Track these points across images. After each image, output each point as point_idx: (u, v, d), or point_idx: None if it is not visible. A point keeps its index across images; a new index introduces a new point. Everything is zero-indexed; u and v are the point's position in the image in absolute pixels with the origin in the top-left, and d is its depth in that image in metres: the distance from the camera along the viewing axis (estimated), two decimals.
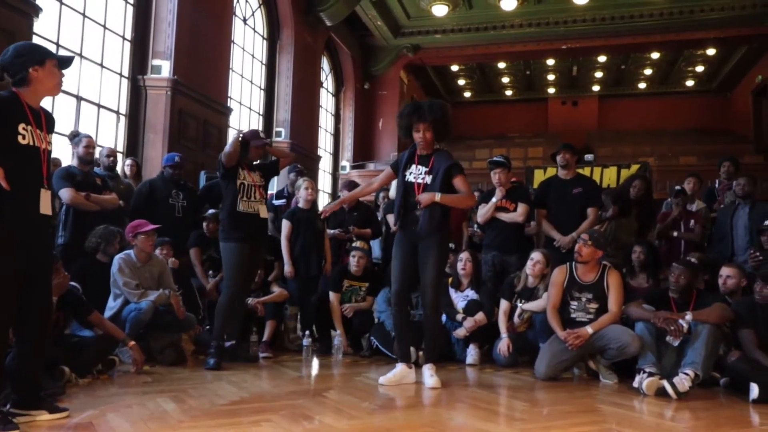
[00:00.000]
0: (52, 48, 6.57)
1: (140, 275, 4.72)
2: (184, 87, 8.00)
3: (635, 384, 3.92)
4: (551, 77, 19.88)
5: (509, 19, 13.79)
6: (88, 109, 7.32)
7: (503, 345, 4.85)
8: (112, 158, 5.98)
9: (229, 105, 9.36)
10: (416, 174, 4.09)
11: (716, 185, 7.06)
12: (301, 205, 5.84)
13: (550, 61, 18.22)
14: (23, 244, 2.74)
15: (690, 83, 19.78)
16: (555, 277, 4.58)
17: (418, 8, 13.54)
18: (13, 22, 5.82)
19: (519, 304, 4.98)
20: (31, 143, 2.79)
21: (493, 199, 5.55)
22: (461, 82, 20.39)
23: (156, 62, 7.91)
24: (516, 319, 4.98)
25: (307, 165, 9.79)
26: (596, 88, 20.53)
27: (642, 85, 20.24)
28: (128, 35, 7.91)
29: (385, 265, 6.00)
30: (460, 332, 5.04)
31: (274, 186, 8.05)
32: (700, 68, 18.62)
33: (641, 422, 3.21)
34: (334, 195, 13.57)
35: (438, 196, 3.95)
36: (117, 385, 3.81)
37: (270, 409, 3.15)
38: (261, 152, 4.88)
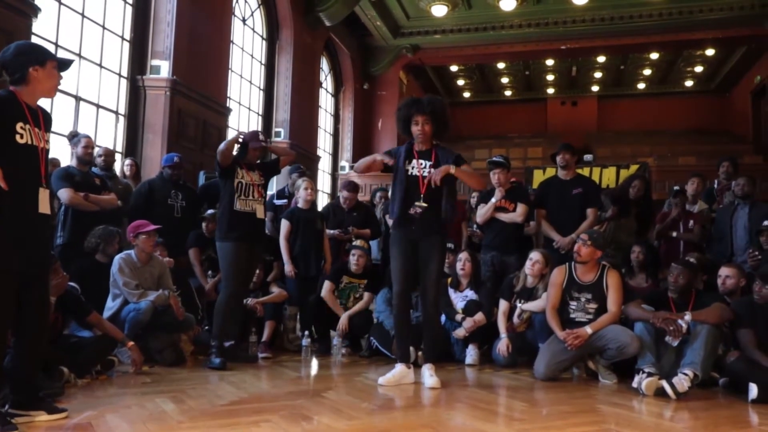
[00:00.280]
0: (51, 48, 6.56)
1: (140, 276, 4.72)
2: (184, 87, 8.00)
3: (634, 384, 3.92)
4: (550, 77, 19.87)
5: (508, 19, 13.78)
6: (87, 110, 7.31)
7: (502, 345, 4.85)
8: (103, 158, 5.89)
9: (228, 105, 9.35)
10: (420, 168, 4.06)
11: (715, 186, 7.07)
12: (300, 205, 5.84)
13: (550, 62, 18.20)
14: (22, 244, 2.74)
15: (689, 84, 19.77)
16: (554, 277, 4.58)
17: (417, 8, 13.53)
18: (11, 22, 5.81)
19: (518, 304, 4.98)
20: (30, 142, 2.79)
21: (493, 200, 5.55)
22: (460, 82, 20.38)
23: (155, 62, 7.89)
24: (515, 319, 4.98)
25: (307, 165, 9.76)
26: (595, 88, 20.52)
27: (641, 86, 20.23)
28: (127, 35, 7.90)
29: (383, 266, 6.01)
30: (460, 332, 5.04)
31: (274, 185, 8.04)
32: (699, 69, 18.62)
33: (640, 422, 3.22)
34: (333, 195, 13.56)
35: (453, 168, 3.95)
36: (116, 386, 3.81)
37: (269, 409, 3.15)
38: (259, 154, 4.87)
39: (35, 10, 6.10)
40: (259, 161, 4.95)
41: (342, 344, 5.37)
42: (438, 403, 3.55)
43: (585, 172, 7.42)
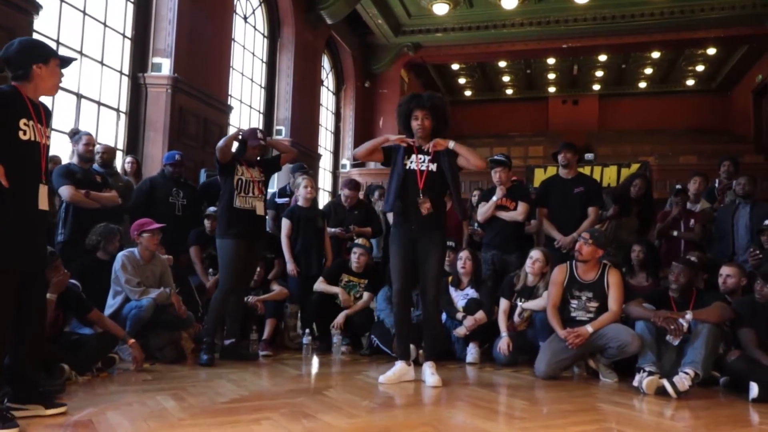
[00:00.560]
0: (52, 46, 6.55)
1: (142, 273, 4.72)
2: (185, 85, 8.00)
3: (635, 383, 3.92)
4: (552, 76, 19.86)
5: (510, 17, 13.77)
6: (89, 107, 7.31)
7: (503, 344, 4.85)
8: (102, 154, 5.86)
9: (229, 103, 9.35)
10: (418, 162, 4.05)
11: (716, 185, 7.06)
12: (300, 203, 5.84)
13: (551, 60, 18.19)
14: (23, 243, 2.74)
15: (690, 83, 19.76)
16: (555, 275, 4.58)
17: (418, 7, 13.52)
18: (13, 19, 5.81)
19: (519, 303, 4.98)
20: (33, 138, 2.78)
21: (494, 198, 5.55)
22: (462, 80, 20.37)
23: (156, 60, 7.89)
24: (516, 317, 4.98)
25: (308, 163, 9.76)
26: (597, 87, 20.51)
27: (642, 85, 20.22)
28: (128, 33, 7.89)
29: (384, 264, 6.01)
30: (460, 331, 5.04)
31: (275, 183, 8.03)
32: (700, 68, 18.60)
33: (641, 421, 3.21)
34: (334, 193, 13.56)
35: (452, 144, 3.95)
36: (117, 383, 3.81)
37: (270, 407, 3.15)
38: (258, 151, 4.85)
39: (37, 7, 6.10)
40: (259, 158, 4.93)
41: (342, 342, 5.38)
42: (439, 402, 3.55)
43: (586, 170, 7.39)
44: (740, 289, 4.52)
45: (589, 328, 4.25)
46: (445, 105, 4.12)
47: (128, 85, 7.85)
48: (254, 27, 10.97)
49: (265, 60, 11.34)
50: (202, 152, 8.20)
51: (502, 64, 18.76)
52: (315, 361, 5.11)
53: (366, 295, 5.59)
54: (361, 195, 6.87)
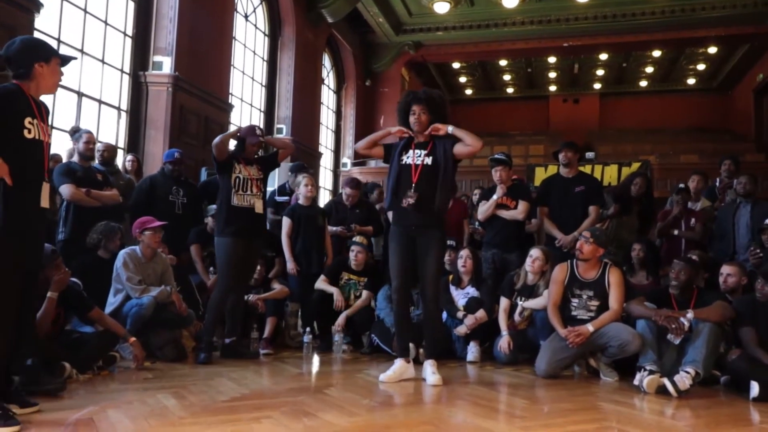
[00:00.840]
0: (53, 44, 6.56)
1: (144, 271, 4.72)
2: (186, 83, 8.00)
3: (636, 382, 3.92)
4: (552, 75, 19.86)
5: (511, 16, 13.78)
6: (90, 105, 7.31)
7: (504, 342, 4.84)
8: (103, 153, 5.88)
9: (230, 101, 9.35)
10: (414, 156, 4.05)
11: (717, 184, 7.06)
12: (301, 201, 5.84)
13: (552, 59, 18.19)
14: (26, 238, 2.75)
15: (691, 81, 19.75)
16: (556, 274, 4.57)
17: (419, 5, 13.52)
18: (14, 17, 5.81)
19: (519, 302, 4.98)
20: (37, 137, 2.79)
21: (494, 197, 5.55)
22: (463, 79, 20.37)
23: (157, 58, 7.90)
24: (516, 316, 4.98)
25: (308, 162, 9.78)
26: (597, 86, 20.51)
27: (643, 83, 20.22)
28: (129, 31, 7.90)
29: (385, 263, 6.00)
30: (461, 329, 5.04)
31: (276, 180, 8.02)
32: (701, 66, 18.59)
33: (642, 420, 3.21)
34: (335, 192, 13.57)
35: (451, 128, 3.95)
36: (117, 381, 3.81)
37: (270, 405, 3.15)
38: (257, 149, 4.84)
39: (38, 6, 6.11)
40: (257, 155, 4.92)
41: (343, 341, 5.38)
42: (439, 400, 3.55)
43: (587, 169, 7.38)
44: (741, 288, 4.52)
45: (589, 327, 4.25)
46: (443, 101, 4.12)
47: (129, 83, 7.86)
48: (255, 25, 10.97)
49: (265, 58, 11.35)
50: (203, 151, 8.21)
51: (503, 62, 18.77)
52: (315, 359, 5.11)
53: (365, 293, 5.57)
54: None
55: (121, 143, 7.72)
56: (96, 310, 4.11)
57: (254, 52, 10.94)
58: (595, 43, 14.97)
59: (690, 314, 4.05)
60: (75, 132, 5.42)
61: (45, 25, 6.50)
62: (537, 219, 5.92)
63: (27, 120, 2.75)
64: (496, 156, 5.68)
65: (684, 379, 3.74)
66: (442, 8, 13.36)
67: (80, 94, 7.13)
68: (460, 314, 5.08)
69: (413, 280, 4.17)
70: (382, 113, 15.61)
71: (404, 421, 2.99)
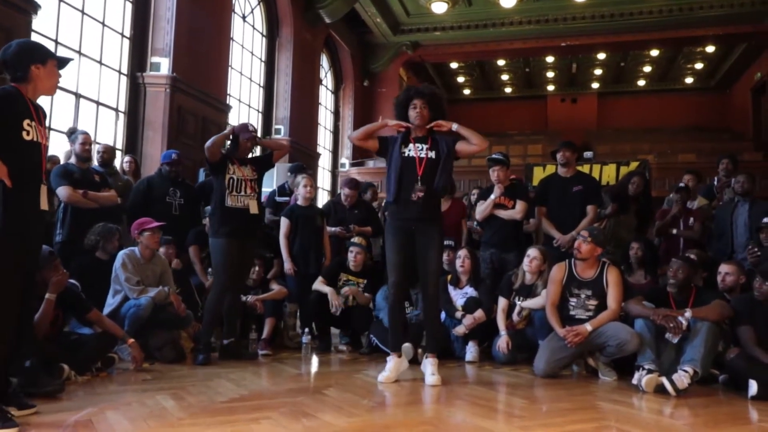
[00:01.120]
0: (51, 45, 6.56)
1: (142, 272, 4.72)
2: (183, 84, 8.00)
3: (634, 381, 3.92)
4: (550, 74, 19.88)
5: (509, 16, 13.79)
6: (87, 107, 7.31)
7: (502, 342, 4.85)
8: (102, 154, 5.89)
9: (228, 102, 9.35)
10: (416, 150, 4.03)
11: (715, 183, 7.06)
12: (299, 202, 5.83)
13: (550, 59, 18.21)
14: (25, 240, 2.76)
15: (689, 80, 19.78)
16: (554, 274, 4.57)
17: (417, 5, 13.52)
18: (11, 19, 5.81)
19: (518, 302, 4.98)
20: (35, 139, 2.80)
21: (492, 196, 5.54)
22: (461, 79, 20.38)
23: (155, 59, 7.90)
24: (515, 316, 4.98)
25: (307, 162, 9.77)
26: (595, 85, 20.54)
27: (641, 83, 20.24)
28: (127, 32, 7.90)
29: (383, 264, 5.99)
30: (460, 329, 5.04)
31: (274, 181, 8.02)
32: (699, 65, 18.62)
33: (640, 419, 3.21)
34: (333, 192, 13.57)
35: (455, 126, 3.94)
36: (116, 383, 3.81)
37: (269, 406, 3.15)
38: (251, 145, 4.82)
39: (35, 7, 6.10)
40: (251, 155, 4.91)
41: (342, 341, 5.37)
42: (438, 400, 3.55)
43: (585, 169, 7.38)
44: (739, 287, 4.53)
45: (588, 327, 4.25)
46: (442, 98, 4.12)
47: (127, 84, 7.86)
48: (253, 26, 10.97)
49: (263, 59, 11.35)
50: (201, 152, 8.15)
51: (501, 62, 18.78)
52: (314, 360, 5.11)
53: (365, 295, 5.57)
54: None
55: (119, 144, 7.71)
56: (94, 311, 4.10)
57: (252, 52, 10.94)
58: (592, 43, 14.99)
59: (688, 313, 4.05)
60: (71, 133, 5.41)
61: (42, 26, 6.50)
62: (535, 219, 5.92)
63: (25, 122, 2.76)
64: (494, 156, 5.68)
65: (682, 378, 3.74)
66: (439, 8, 13.37)
67: (78, 96, 7.12)
68: (458, 314, 5.08)
69: (411, 277, 4.16)
70: (380, 113, 15.57)
71: (403, 421, 2.99)
